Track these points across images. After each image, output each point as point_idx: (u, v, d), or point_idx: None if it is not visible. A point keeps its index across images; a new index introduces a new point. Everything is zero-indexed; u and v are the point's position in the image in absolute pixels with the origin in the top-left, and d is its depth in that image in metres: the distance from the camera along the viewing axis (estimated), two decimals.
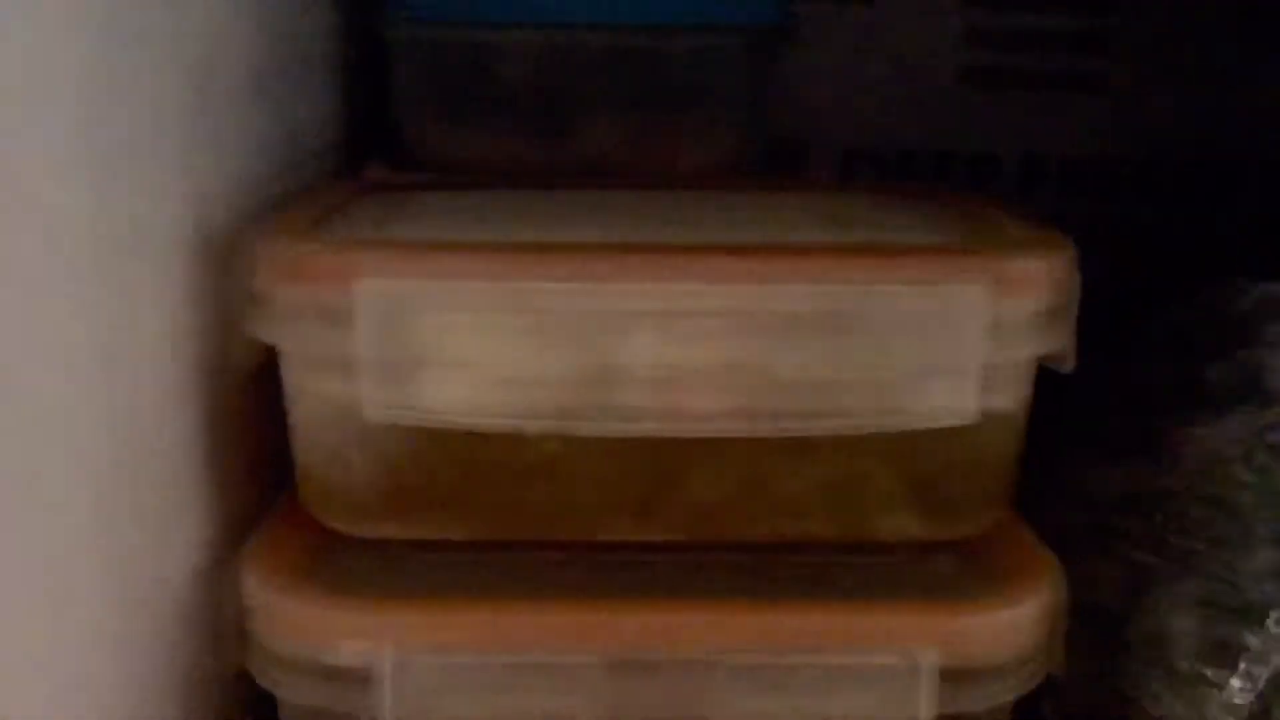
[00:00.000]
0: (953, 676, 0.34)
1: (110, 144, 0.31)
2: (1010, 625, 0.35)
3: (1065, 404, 0.41)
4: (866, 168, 0.64)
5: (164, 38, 0.34)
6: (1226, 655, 0.36)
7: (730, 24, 0.51)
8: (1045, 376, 0.37)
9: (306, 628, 0.34)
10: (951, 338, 0.33)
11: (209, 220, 0.36)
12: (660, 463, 0.35)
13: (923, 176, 0.64)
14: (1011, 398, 0.36)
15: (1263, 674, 0.35)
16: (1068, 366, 0.36)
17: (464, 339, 0.33)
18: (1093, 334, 0.46)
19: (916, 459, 0.36)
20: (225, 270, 0.36)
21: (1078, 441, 0.43)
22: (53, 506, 0.28)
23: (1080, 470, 0.42)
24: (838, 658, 0.34)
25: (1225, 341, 0.39)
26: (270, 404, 0.37)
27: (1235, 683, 0.35)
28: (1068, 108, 0.63)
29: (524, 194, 0.44)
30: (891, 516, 0.36)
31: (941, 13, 0.62)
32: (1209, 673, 0.36)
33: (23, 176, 0.26)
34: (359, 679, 0.33)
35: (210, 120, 0.37)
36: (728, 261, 0.34)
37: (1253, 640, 0.35)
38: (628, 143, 0.51)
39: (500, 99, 0.51)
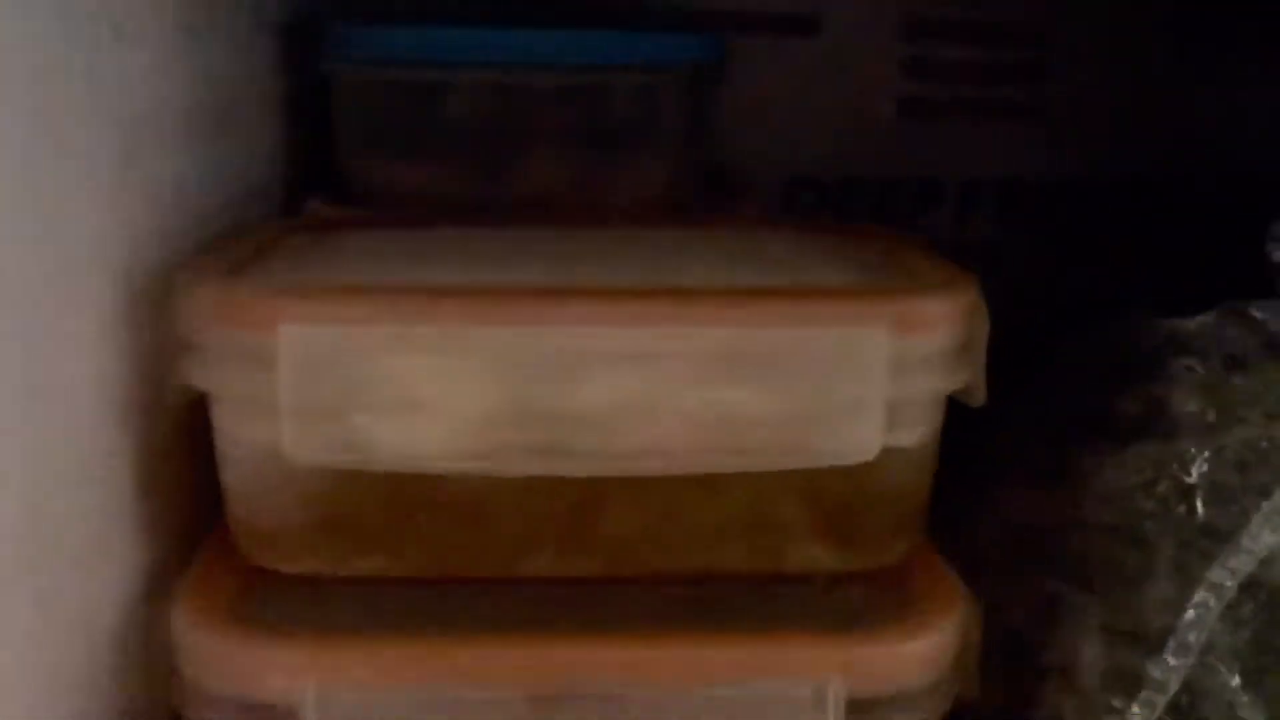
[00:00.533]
0: (862, 705, 0.35)
1: (41, 186, 0.31)
2: (918, 653, 0.36)
3: (985, 430, 0.42)
4: (811, 195, 0.65)
5: (97, 79, 0.34)
6: (1129, 683, 0.37)
7: (669, 63, 0.52)
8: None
9: (232, 664, 0.34)
10: (854, 378, 0.34)
11: (142, 261, 0.37)
12: (580, 500, 0.37)
13: (866, 203, 0.66)
14: (918, 433, 0.37)
15: (1161, 701, 0.36)
16: (978, 400, 0.38)
17: (385, 382, 0.34)
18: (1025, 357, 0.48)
19: (826, 493, 0.37)
20: (156, 312, 0.37)
21: (995, 468, 0.44)
22: None
23: (997, 497, 0.43)
24: (749, 689, 0.35)
25: (1133, 375, 0.40)
26: (201, 442, 0.38)
27: (1136, 710, 0.36)
28: (1005, 135, 0.65)
29: (458, 232, 0.45)
30: (803, 548, 0.37)
31: (882, 44, 0.63)
32: (1113, 700, 0.37)
33: None
34: (285, 714, 0.34)
35: (144, 162, 0.38)
36: (643, 305, 0.35)
37: (1153, 669, 0.36)
38: (567, 179, 0.53)
39: (441, 136, 0.52)
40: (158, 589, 0.38)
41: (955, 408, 0.38)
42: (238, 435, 0.36)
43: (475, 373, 0.34)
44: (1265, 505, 0.36)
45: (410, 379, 0.34)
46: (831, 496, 0.37)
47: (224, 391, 0.36)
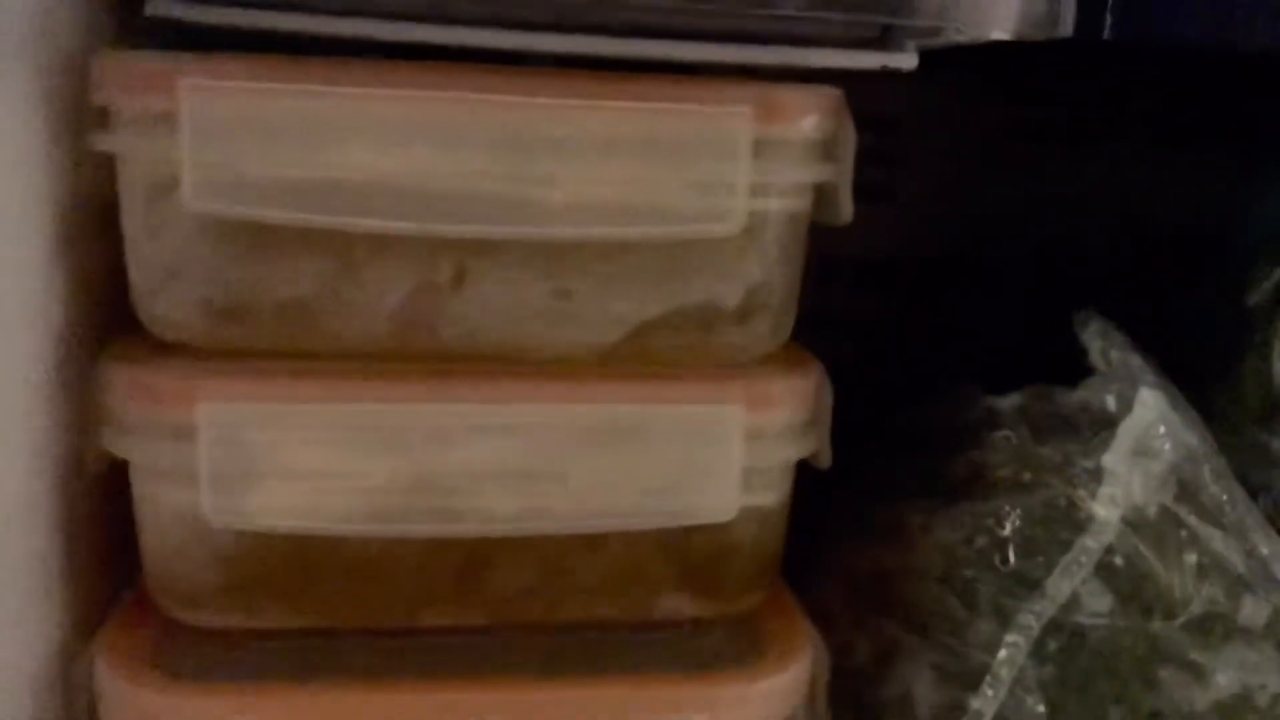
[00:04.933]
0: None
1: None
2: (773, 690, 0.41)
3: (834, 490, 0.47)
4: None
5: (24, 192, 0.38)
6: (954, 715, 0.42)
7: None
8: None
9: (152, 712, 0.38)
10: (713, 450, 0.39)
11: (65, 342, 0.41)
12: (468, 558, 0.41)
13: None
14: (771, 495, 0.42)
15: None
16: (825, 464, 0.43)
17: (295, 454, 0.38)
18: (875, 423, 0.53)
19: (690, 549, 0.42)
20: (80, 387, 0.40)
21: (843, 525, 0.50)
22: None
23: (843, 550, 0.49)
24: None
25: (958, 443, 0.46)
26: (120, 504, 0.41)
27: None
28: (857, 216, 0.71)
29: None
30: (669, 599, 0.42)
31: None
32: None
33: None
34: None
35: (67, 255, 0.41)
36: (525, 382, 0.40)
37: (973, 702, 0.42)
38: None
39: None
40: (79, 643, 0.41)
41: (806, 470, 0.43)
42: (157, 500, 0.40)
43: (373, 445, 0.38)
44: (1065, 557, 0.42)
45: (315, 451, 0.38)
46: (696, 553, 0.42)
47: (146, 461, 0.39)
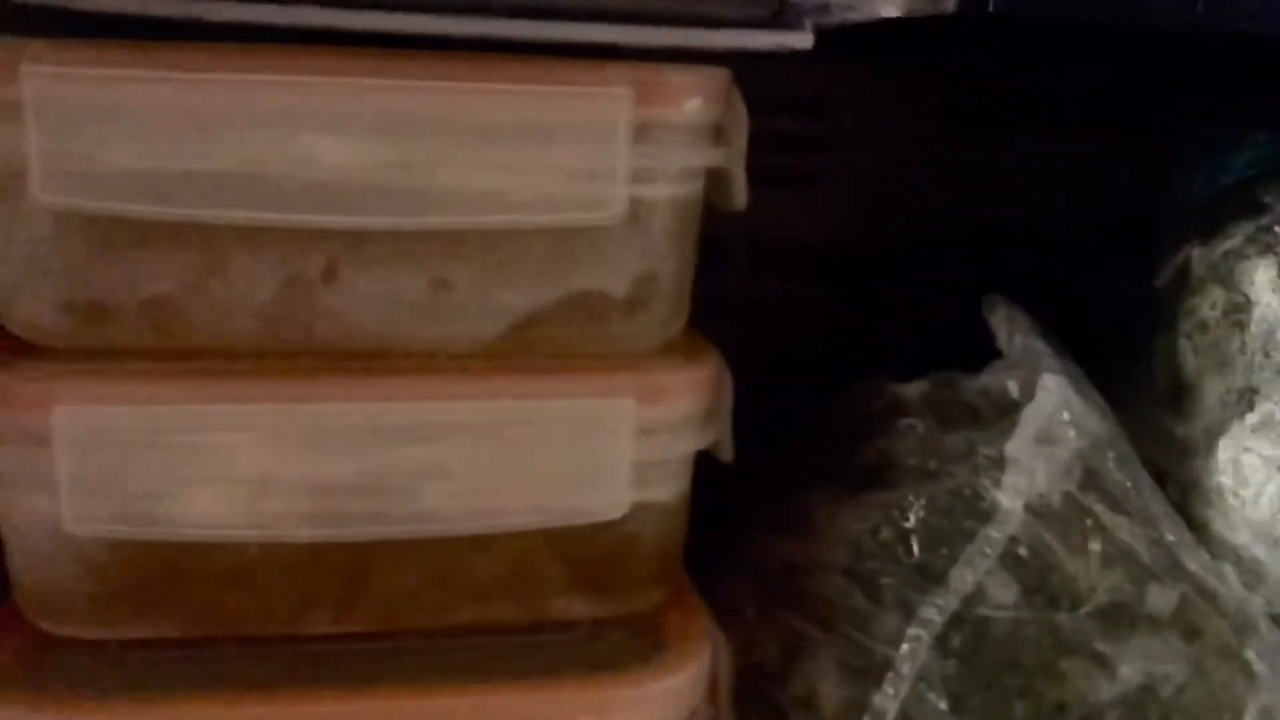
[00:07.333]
0: None
1: None
2: (669, 691, 0.39)
3: (745, 481, 0.46)
4: None
5: None
6: (858, 712, 0.41)
7: None
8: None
9: None
10: (602, 445, 0.38)
11: None
12: (351, 562, 0.39)
13: None
14: (667, 490, 0.40)
15: None
16: (726, 457, 0.42)
17: (159, 458, 0.36)
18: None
19: (583, 547, 0.40)
20: None
21: (751, 518, 0.48)
22: None
23: (753, 543, 0.48)
24: None
25: (864, 432, 0.45)
26: None
27: None
28: (789, 201, 0.70)
29: None
30: (564, 599, 0.41)
31: None
32: None
33: None
34: None
35: None
36: (404, 379, 0.38)
37: (875, 697, 0.41)
38: None
39: None
40: None
41: (716, 462, 0.42)
42: (18, 508, 0.38)
43: (243, 448, 0.36)
44: (968, 548, 0.41)
45: (184, 454, 0.37)
46: (589, 551, 0.40)
47: (3, 468, 0.37)
